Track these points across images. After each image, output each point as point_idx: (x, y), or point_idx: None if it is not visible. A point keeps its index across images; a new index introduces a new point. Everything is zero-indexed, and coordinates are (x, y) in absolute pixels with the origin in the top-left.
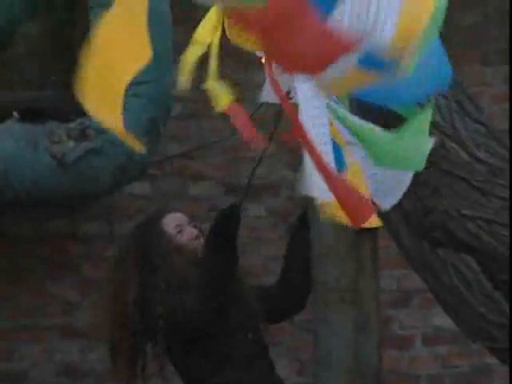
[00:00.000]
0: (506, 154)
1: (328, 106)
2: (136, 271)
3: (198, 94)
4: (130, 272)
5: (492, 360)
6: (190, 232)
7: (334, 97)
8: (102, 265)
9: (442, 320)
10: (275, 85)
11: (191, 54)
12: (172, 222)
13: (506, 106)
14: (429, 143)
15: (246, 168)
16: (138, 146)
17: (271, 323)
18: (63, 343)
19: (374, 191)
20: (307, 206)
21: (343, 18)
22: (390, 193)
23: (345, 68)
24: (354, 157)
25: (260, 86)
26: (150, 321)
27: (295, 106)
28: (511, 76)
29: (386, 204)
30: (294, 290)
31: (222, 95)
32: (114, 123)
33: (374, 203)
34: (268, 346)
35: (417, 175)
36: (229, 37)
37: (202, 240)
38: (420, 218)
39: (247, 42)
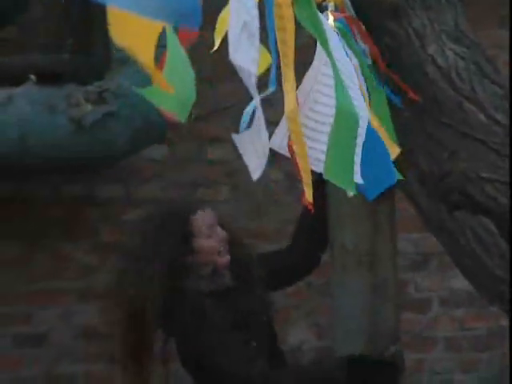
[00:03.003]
0: None
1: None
2: (155, 273)
3: (214, 57)
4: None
5: (508, 322)
6: (218, 239)
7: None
8: (120, 228)
9: (459, 283)
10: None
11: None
12: (203, 223)
13: None
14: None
15: None
16: (166, 87)
17: (284, 286)
18: (81, 306)
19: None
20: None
21: None
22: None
23: None
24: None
25: None
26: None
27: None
28: (511, 73)
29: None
30: (307, 247)
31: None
32: (146, 59)
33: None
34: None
35: (433, 137)
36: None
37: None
38: (437, 181)
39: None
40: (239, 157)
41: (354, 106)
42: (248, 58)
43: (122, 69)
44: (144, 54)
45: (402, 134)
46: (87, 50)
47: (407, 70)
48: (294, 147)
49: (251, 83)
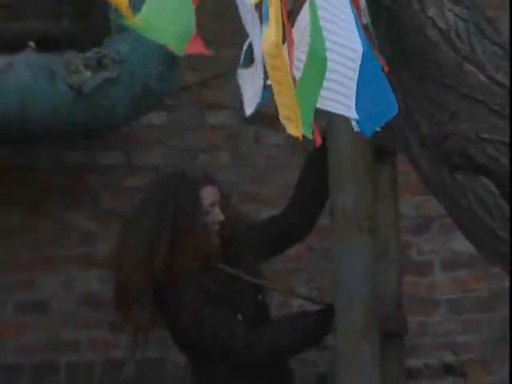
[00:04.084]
0: None
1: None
2: (166, 230)
3: (216, 22)
4: (159, 229)
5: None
6: (216, 214)
7: None
8: (120, 195)
9: (461, 245)
10: None
11: None
12: (210, 196)
13: None
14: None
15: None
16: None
17: (283, 248)
18: (82, 273)
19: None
20: (325, 134)
21: None
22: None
23: None
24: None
25: None
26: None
27: None
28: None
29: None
30: (302, 208)
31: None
32: None
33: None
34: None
35: (434, 99)
36: None
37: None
38: (438, 142)
39: None
40: (240, 122)
41: (325, 50)
42: None
43: (122, 35)
44: None
45: (402, 98)
46: (86, 17)
47: (407, 33)
48: (275, 85)
49: (248, 18)
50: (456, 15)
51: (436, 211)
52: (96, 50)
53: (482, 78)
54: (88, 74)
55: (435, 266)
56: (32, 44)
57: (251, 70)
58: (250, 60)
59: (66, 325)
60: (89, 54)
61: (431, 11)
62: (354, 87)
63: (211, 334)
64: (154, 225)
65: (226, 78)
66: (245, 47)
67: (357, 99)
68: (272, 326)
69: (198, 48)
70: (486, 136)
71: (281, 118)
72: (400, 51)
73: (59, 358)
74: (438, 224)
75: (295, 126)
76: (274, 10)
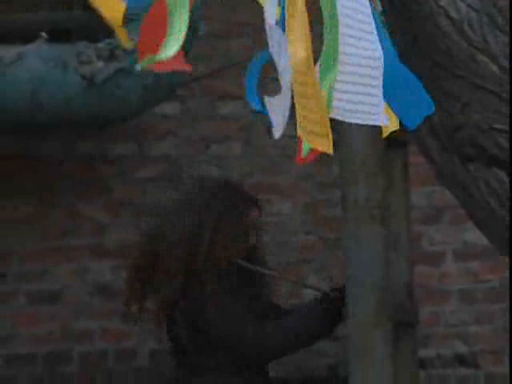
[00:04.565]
0: None
1: None
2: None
3: (226, 13)
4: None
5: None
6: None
7: None
8: (132, 185)
9: (472, 235)
10: None
11: None
12: (254, 218)
13: None
14: None
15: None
16: (125, 39)
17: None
18: (94, 263)
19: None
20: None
21: None
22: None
23: None
24: None
25: None
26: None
27: None
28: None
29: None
30: None
31: None
32: (112, 13)
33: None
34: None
35: (445, 90)
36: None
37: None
38: (450, 133)
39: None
40: (251, 112)
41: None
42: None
43: (133, 25)
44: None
45: None
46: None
47: (419, 23)
48: (302, 101)
49: (274, 36)
50: (468, 5)
51: (448, 202)
52: (108, 40)
53: (494, 68)
54: (100, 64)
55: (447, 257)
56: (44, 34)
57: (279, 96)
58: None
59: (78, 315)
60: (101, 45)
61: (443, 1)
62: (380, 94)
63: (228, 324)
64: (197, 222)
65: (237, 68)
66: (255, 61)
67: (391, 103)
68: (285, 318)
69: (178, 64)
70: (498, 126)
71: (300, 132)
72: (411, 41)
73: (72, 348)
74: (449, 215)
75: (325, 141)
76: (299, 24)
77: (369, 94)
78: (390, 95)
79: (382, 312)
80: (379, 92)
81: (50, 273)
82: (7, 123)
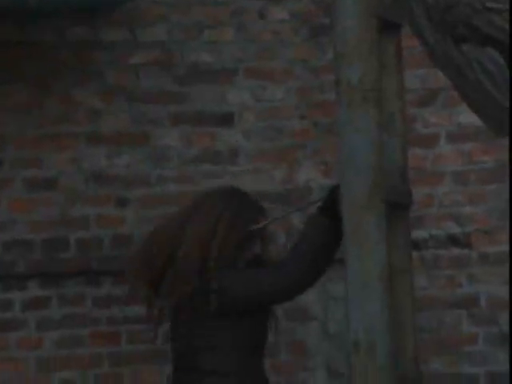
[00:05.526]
0: None
1: None
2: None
3: None
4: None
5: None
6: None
7: None
8: (125, 72)
9: (466, 117)
10: None
11: None
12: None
13: None
14: None
15: None
16: None
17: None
18: (90, 150)
19: None
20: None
21: None
22: None
23: None
24: None
25: None
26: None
27: None
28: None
29: None
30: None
31: None
32: None
33: None
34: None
35: None
36: None
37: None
38: (443, 13)
39: None
40: None
41: None
42: None
43: None
44: None
45: None
46: None
47: None
48: None
49: None
50: None
51: (442, 84)
52: None
53: None
54: None
55: (441, 139)
56: None
57: None
58: None
59: (74, 201)
60: None
61: None
62: None
63: (246, 281)
64: (215, 217)
65: None
66: None
67: None
68: (300, 240)
69: None
70: (492, 5)
71: None
72: None
73: (69, 234)
74: (443, 97)
75: None
76: None
77: None
78: None
79: (376, 194)
80: None
81: (45, 159)
82: None
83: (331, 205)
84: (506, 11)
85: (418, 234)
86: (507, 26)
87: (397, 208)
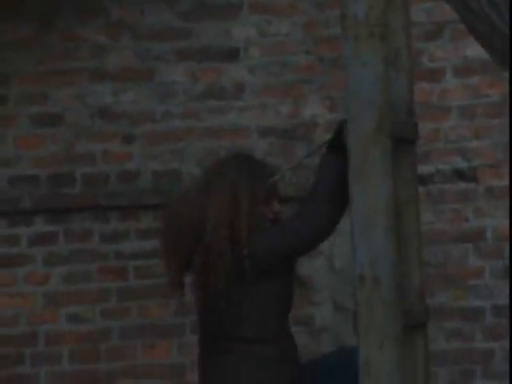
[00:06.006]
0: None
1: None
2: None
3: None
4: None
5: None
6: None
7: None
8: (129, 7)
9: (473, 50)
10: None
11: None
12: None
13: None
14: None
15: None
16: None
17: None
18: (95, 86)
19: None
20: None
21: None
22: None
23: None
24: None
25: None
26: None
27: None
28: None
29: None
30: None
31: None
32: None
33: None
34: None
35: None
36: None
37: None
38: None
39: None
40: None
41: None
42: None
43: None
44: None
45: None
46: None
47: None
48: None
49: None
50: None
51: (448, 17)
52: None
53: None
54: None
55: (447, 73)
56: None
57: None
58: None
59: (80, 137)
60: None
61: None
62: None
63: (269, 237)
64: (232, 189)
65: None
66: None
67: None
68: (315, 183)
69: None
70: None
71: None
72: None
73: (75, 169)
74: (449, 30)
75: None
76: None
77: None
78: None
79: (382, 129)
80: None
81: (50, 96)
82: None
83: (339, 142)
84: None
85: (425, 168)
86: None
87: (403, 143)
